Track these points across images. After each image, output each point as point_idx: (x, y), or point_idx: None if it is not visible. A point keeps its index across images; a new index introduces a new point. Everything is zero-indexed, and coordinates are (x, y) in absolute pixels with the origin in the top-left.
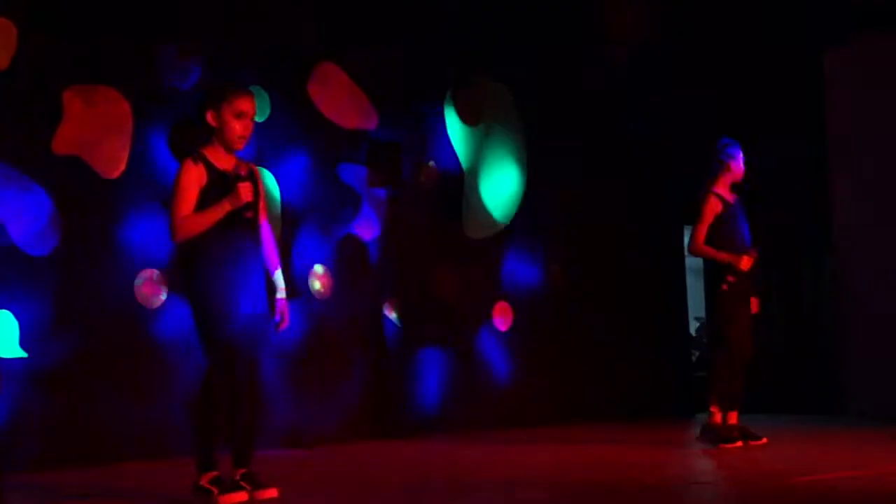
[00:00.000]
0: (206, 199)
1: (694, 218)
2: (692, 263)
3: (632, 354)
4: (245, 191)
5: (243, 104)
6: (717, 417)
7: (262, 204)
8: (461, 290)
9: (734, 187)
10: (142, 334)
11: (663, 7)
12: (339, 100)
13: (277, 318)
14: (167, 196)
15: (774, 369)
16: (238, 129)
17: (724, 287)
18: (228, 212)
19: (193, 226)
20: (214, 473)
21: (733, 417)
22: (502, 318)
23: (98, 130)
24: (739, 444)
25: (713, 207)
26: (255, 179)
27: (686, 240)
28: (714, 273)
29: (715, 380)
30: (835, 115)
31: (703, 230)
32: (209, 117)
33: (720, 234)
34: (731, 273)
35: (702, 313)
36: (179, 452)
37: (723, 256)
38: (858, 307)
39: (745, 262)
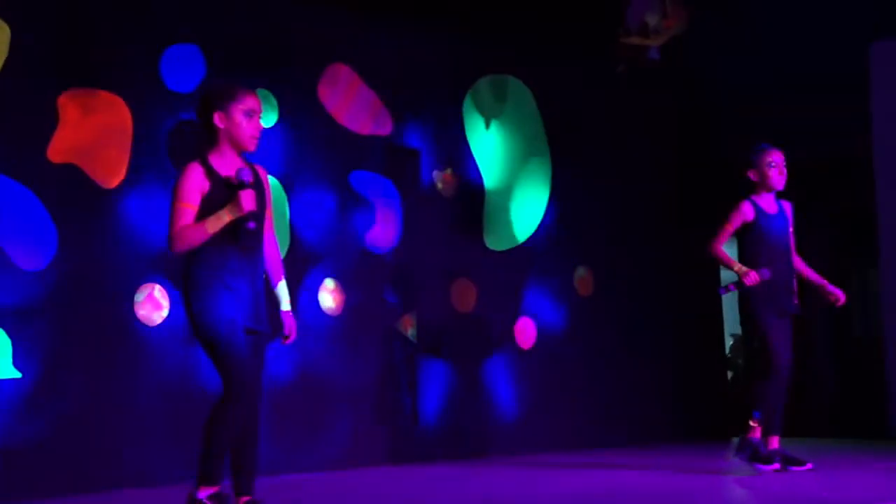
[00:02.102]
0: (210, 207)
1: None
2: (727, 277)
3: (664, 375)
4: (247, 200)
5: (253, 102)
6: (757, 432)
7: (268, 211)
8: (481, 306)
9: (778, 196)
10: (141, 353)
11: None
12: (351, 103)
13: (286, 331)
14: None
15: (818, 392)
16: (250, 128)
17: (722, 291)
18: (230, 222)
19: (192, 237)
20: (215, 489)
21: (774, 442)
22: (525, 335)
23: (96, 137)
24: (776, 466)
25: (744, 213)
26: (261, 185)
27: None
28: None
29: (754, 396)
30: (881, 113)
31: (724, 233)
32: (216, 119)
33: (747, 243)
34: (736, 284)
35: (737, 330)
36: (177, 479)
37: (731, 264)
38: None
39: (751, 278)
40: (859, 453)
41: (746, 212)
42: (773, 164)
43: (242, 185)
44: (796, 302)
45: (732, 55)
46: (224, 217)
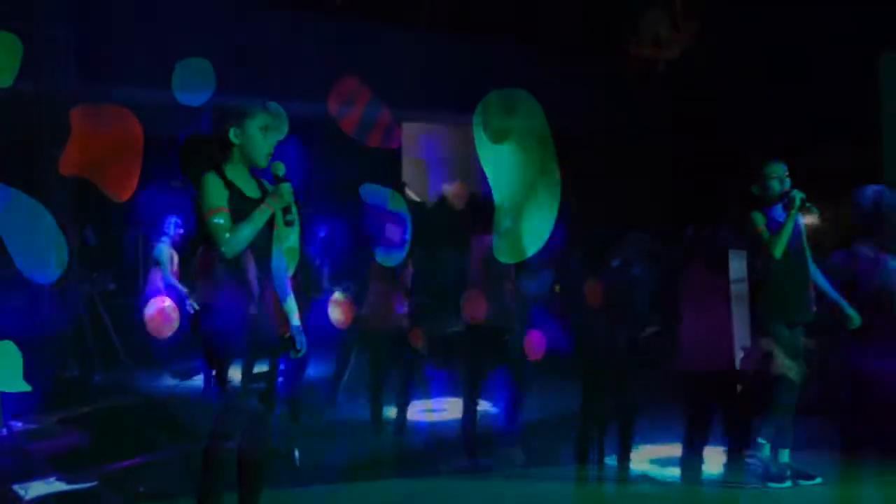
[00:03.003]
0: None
1: (753, 240)
2: (736, 290)
3: (673, 386)
4: (287, 190)
5: (267, 119)
6: (766, 450)
7: (275, 227)
8: (491, 318)
9: (783, 206)
10: (152, 364)
11: (710, 12)
12: (361, 116)
13: (298, 346)
14: (181, 220)
15: (831, 403)
16: (265, 145)
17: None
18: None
19: (241, 238)
20: None
21: (784, 456)
22: (535, 347)
23: (107, 150)
24: (789, 483)
25: (760, 220)
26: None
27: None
28: (763, 299)
29: (767, 411)
30: (890, 122)
31: (763, 238)
32: (232, 134)
33: (760, 254)
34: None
35: (747, 342)
36: (189, 492)
37: (787, 223)
38: None
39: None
40: (871, 466)
41: (759, 219)
42: (774, 176)
43: (280, 178)
44: (813, 310)
45: (742, 62)
46: (267, 210)
